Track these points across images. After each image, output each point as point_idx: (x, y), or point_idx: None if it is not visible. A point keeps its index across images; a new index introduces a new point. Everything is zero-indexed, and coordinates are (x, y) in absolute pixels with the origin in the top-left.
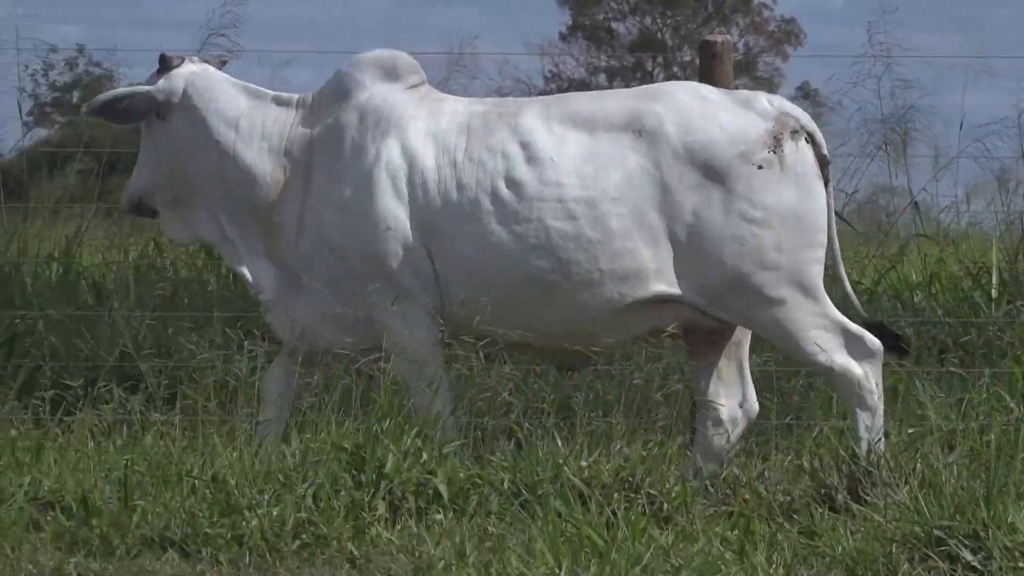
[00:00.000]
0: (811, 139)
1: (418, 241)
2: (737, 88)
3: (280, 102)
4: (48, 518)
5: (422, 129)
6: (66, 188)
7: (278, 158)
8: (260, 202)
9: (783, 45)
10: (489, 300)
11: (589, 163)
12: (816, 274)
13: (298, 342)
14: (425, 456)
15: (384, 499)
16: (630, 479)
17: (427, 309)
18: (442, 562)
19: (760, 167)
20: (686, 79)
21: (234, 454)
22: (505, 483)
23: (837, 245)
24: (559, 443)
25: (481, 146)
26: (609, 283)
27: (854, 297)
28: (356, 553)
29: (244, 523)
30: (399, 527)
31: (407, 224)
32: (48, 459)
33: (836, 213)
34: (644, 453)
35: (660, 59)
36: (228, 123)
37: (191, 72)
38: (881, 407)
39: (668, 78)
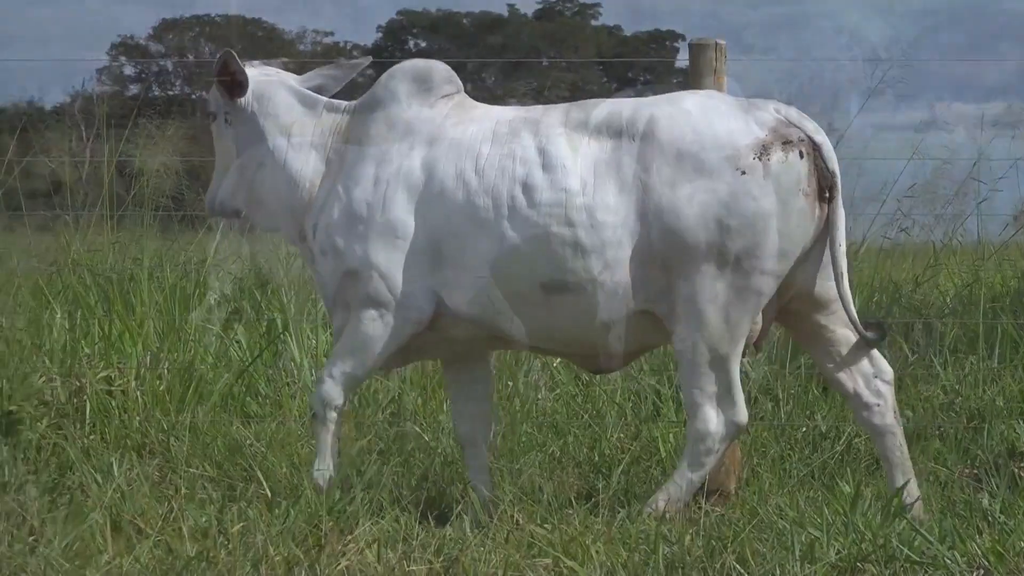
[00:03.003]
0: (816, 153)
1: (427, 250)
2: None
3: (330, 109)
4: None
5: (447, 139)
6: None
7: (321, 166)
8: (302, 210)
9: None
10: (505, 304)
11: (592, 170)
12: (749, 307)
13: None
14: None
15: None
16: None
17: (402, 321)
18: None
19: (743, 172)
20: None
21: None
22: None
23: (844, 264)
24: None
25: (505, 152)
26: (600, 294)
27: (855, 317)
28: None
29: None
30: None
31: (416, 235)
32: None
33: None
34: None
35: None
36: (282, 132)
37: (255, 78)
38: (702, 483)
39: None
